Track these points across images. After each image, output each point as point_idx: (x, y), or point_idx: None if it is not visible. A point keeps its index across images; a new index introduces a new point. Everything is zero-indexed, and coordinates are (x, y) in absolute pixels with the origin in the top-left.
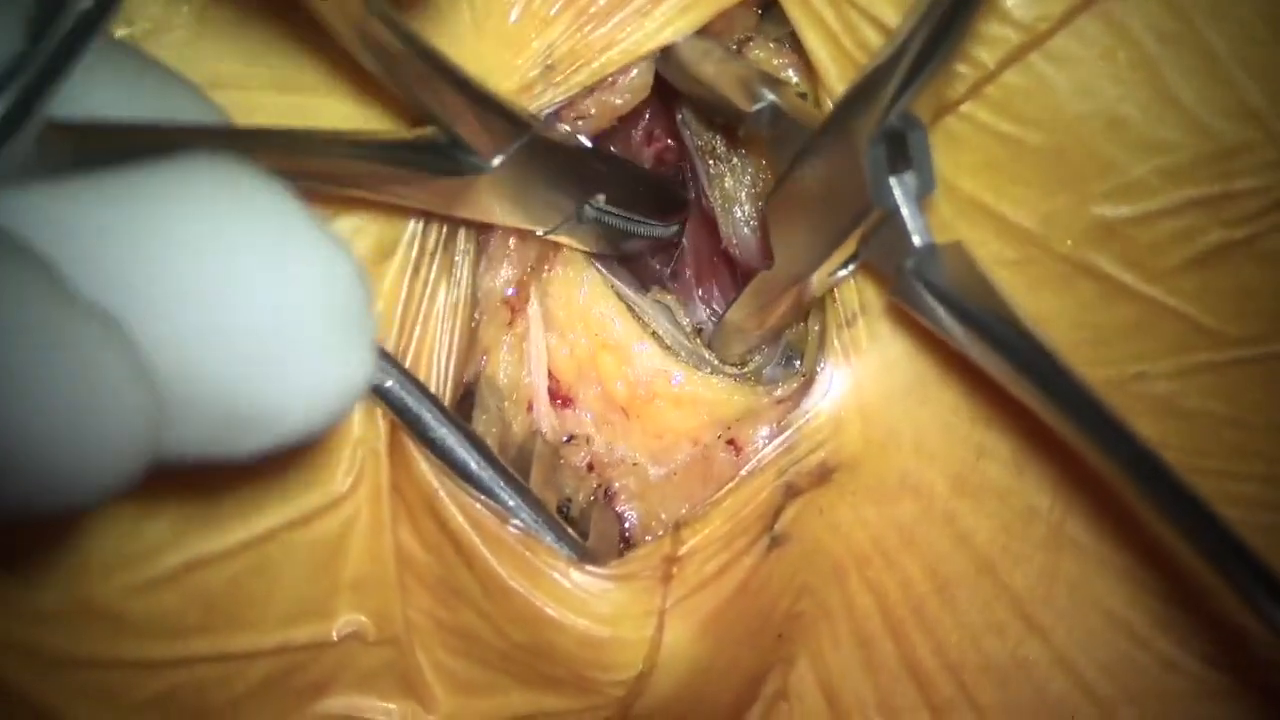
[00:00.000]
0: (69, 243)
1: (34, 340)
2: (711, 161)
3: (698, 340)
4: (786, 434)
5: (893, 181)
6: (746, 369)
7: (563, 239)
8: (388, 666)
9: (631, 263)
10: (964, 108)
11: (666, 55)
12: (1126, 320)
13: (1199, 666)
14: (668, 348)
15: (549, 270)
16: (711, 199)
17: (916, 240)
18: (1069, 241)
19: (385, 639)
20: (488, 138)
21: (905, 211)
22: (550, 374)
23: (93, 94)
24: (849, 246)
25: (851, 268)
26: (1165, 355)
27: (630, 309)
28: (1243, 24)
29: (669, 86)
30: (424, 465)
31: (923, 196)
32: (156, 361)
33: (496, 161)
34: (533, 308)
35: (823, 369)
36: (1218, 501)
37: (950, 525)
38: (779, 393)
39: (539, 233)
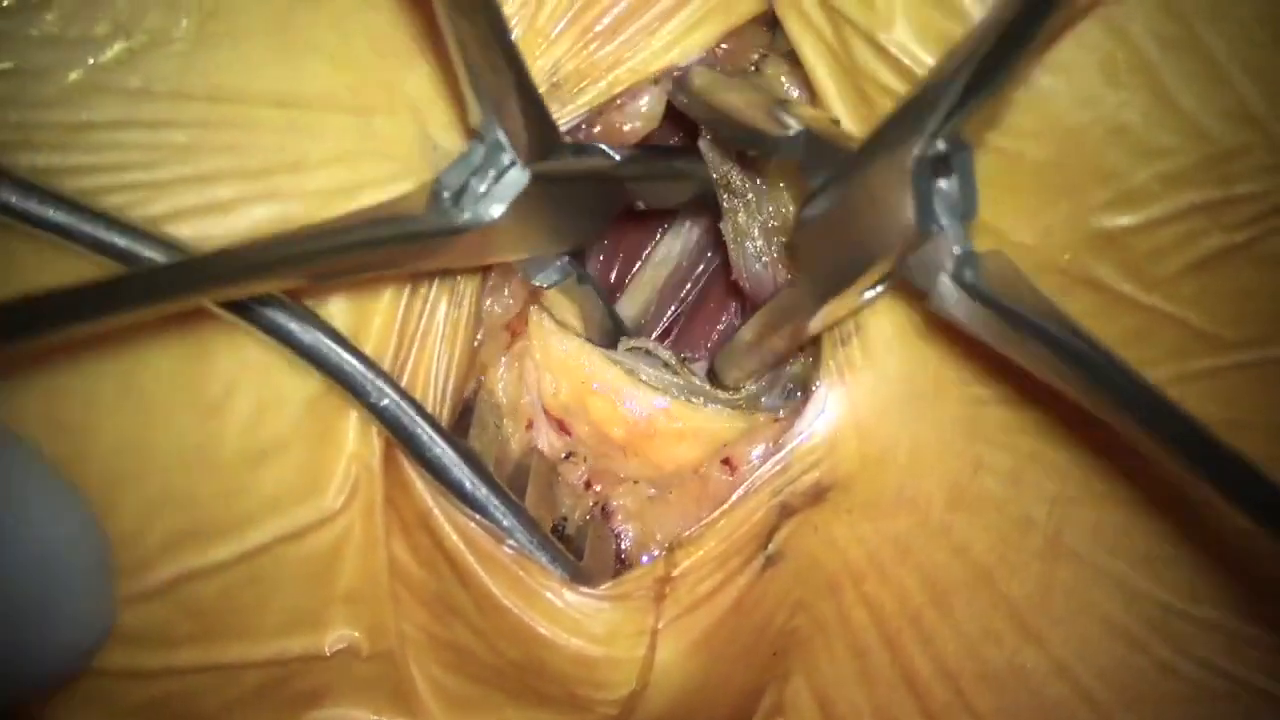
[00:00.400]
0: None
1: None
2: (726, 195)
3: (687, 369)
4: (781, 454)
5: (936, 201)
6: (740, 395)
7: (555, 297)
8: (381, 680)
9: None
10: None
11: (683, 86)
12: (1126, 330)
13: (1196, 671)
14: (657, 389)
15: (528, 321)
16: (724, 233)
17: (957, 249)
18: (1067, 255)
19: (378, 653)
20: (526, 142)
21: (947, 226)
22: (543, 405)
23: None
24: (885, 266)
25: (882, 288)
26: (1164, 362)
27: (612, 360)
28: (1242, 27)
29: (680, 119)
30: (419, 483)
31: (967, 220)
32: None
33: (498, 212)
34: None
35: (818, 388)
36: (1215, 510)
37: (947, 537)
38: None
39: (534, 281)
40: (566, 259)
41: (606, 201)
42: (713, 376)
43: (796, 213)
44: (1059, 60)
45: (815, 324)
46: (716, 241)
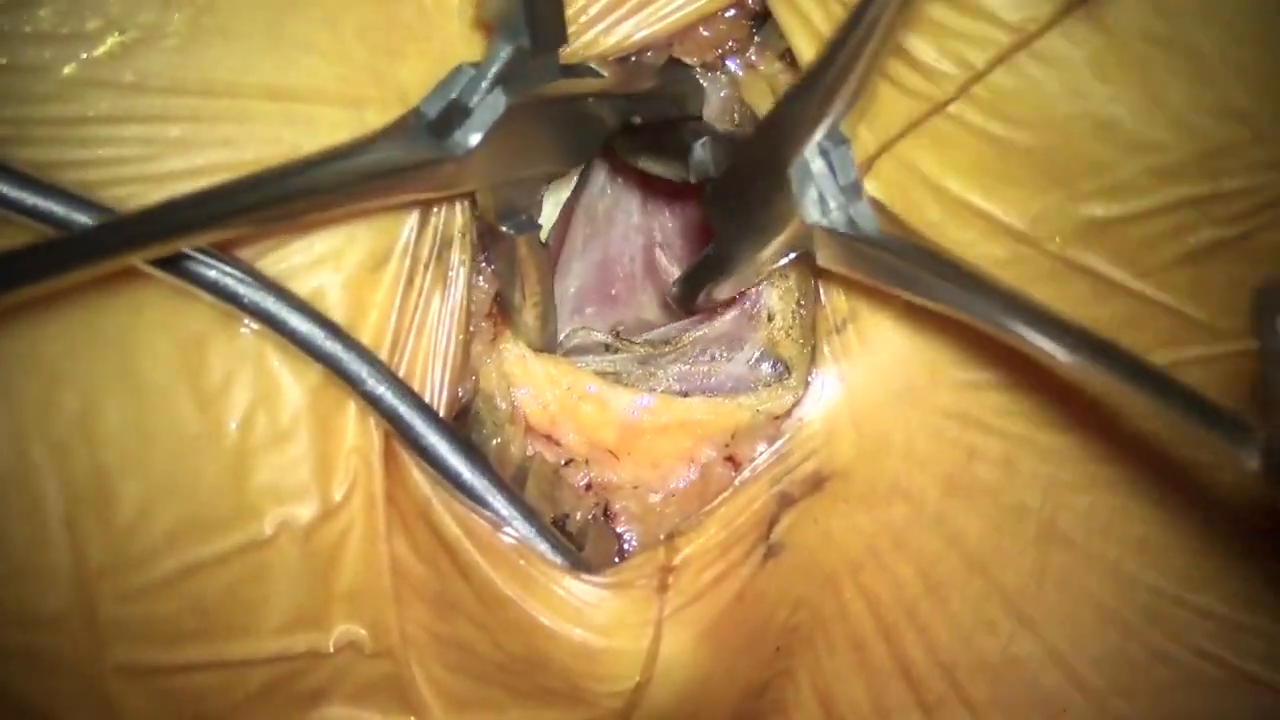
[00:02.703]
0: None
1: None
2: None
3: (626, 342)
4: (779, 443)
5: (817, 178)
6: (684, 343)
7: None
8: (385, 679)
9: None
10: (953, 108)
11: None
12: (1118, 316)
13: (1190, 658)
14: (630, 385)
15: (496, 340)
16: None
17: (833, 203)
18: (1058, 239)
19: (381, 650)
20: (535, 22)
21: (827, 191)
22: (528, 423)
23: None
24: (781, 246)
25: (789, 258)
26: (1157, 349)
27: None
28: (1230, 25)
29: None
30: (417, 474)
31: (851, 204)
32: None
33: (475, 140)
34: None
35: (814, 378)
36: (1209, 496)
37: (941, 526)
38: (768, 407)
39: (503, 227)
40: (534, 214)
41: (582, 135)
42: (682, 302)
43: (708, 192)
44: (1049, 51)
45: (725, 289)
46: None
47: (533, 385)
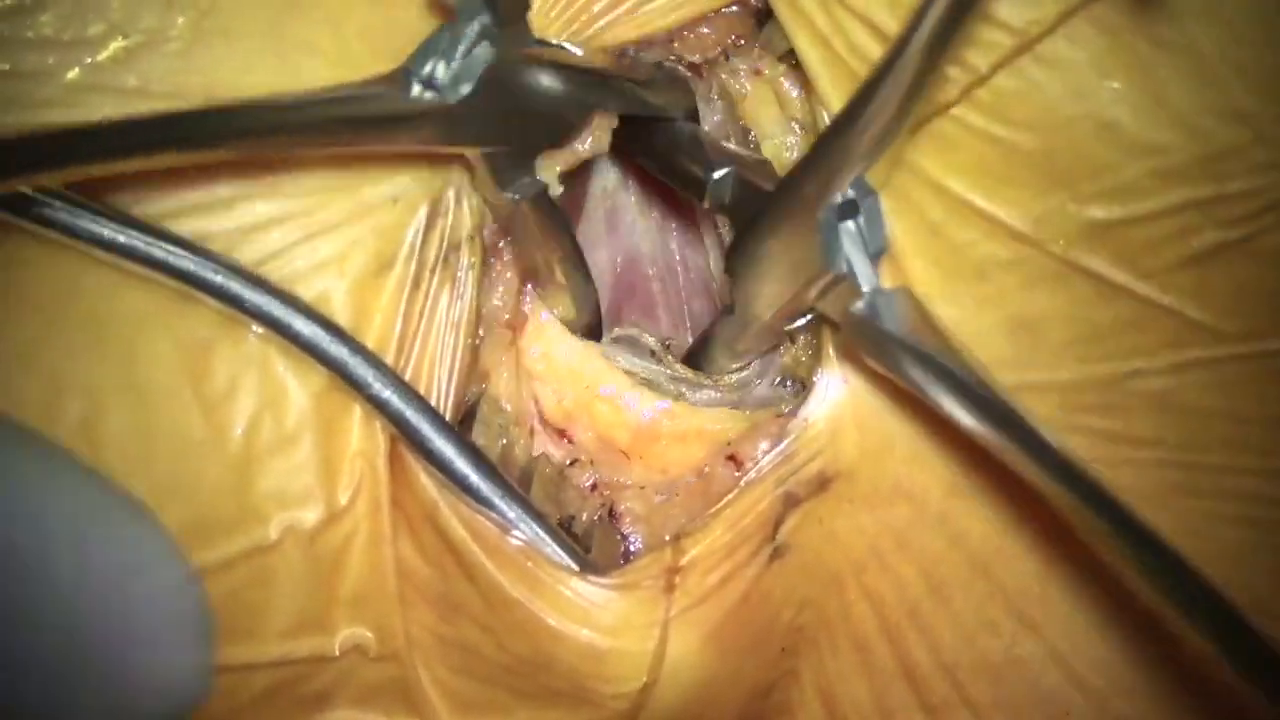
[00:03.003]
0: None
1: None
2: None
3: (669, 357)
4: (784, 444)
5: (845, 242)
6: (728, 380)
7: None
8: (390, 682)
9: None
10: (955, 110)
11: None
12: (1120, 317)
13: (1191, 661)
14: (661, 392)
15: (524, 326)
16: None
17: (865, 286)
18: (1061, 241)
19: (387, 654)
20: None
21: (856, 264)
22: (542, 418)
23: None
24: (804, 301)
25: (808, 319)
26: (1160, 351)
27: (610, 362)
28: (1232, 27)
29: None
30: (424, 478)
31: (876, 259)
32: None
33: (466, 90)
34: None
35: (819, 378)
36: (1215, 497)
37: (944, 527)
38: (777, 410)
39: (506, 193)
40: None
41: (567, 108)
42: (694, 362)
43: (729, 245)
44: (1052, 54)
45: (743, 345)
46: None
47: (555, 381)
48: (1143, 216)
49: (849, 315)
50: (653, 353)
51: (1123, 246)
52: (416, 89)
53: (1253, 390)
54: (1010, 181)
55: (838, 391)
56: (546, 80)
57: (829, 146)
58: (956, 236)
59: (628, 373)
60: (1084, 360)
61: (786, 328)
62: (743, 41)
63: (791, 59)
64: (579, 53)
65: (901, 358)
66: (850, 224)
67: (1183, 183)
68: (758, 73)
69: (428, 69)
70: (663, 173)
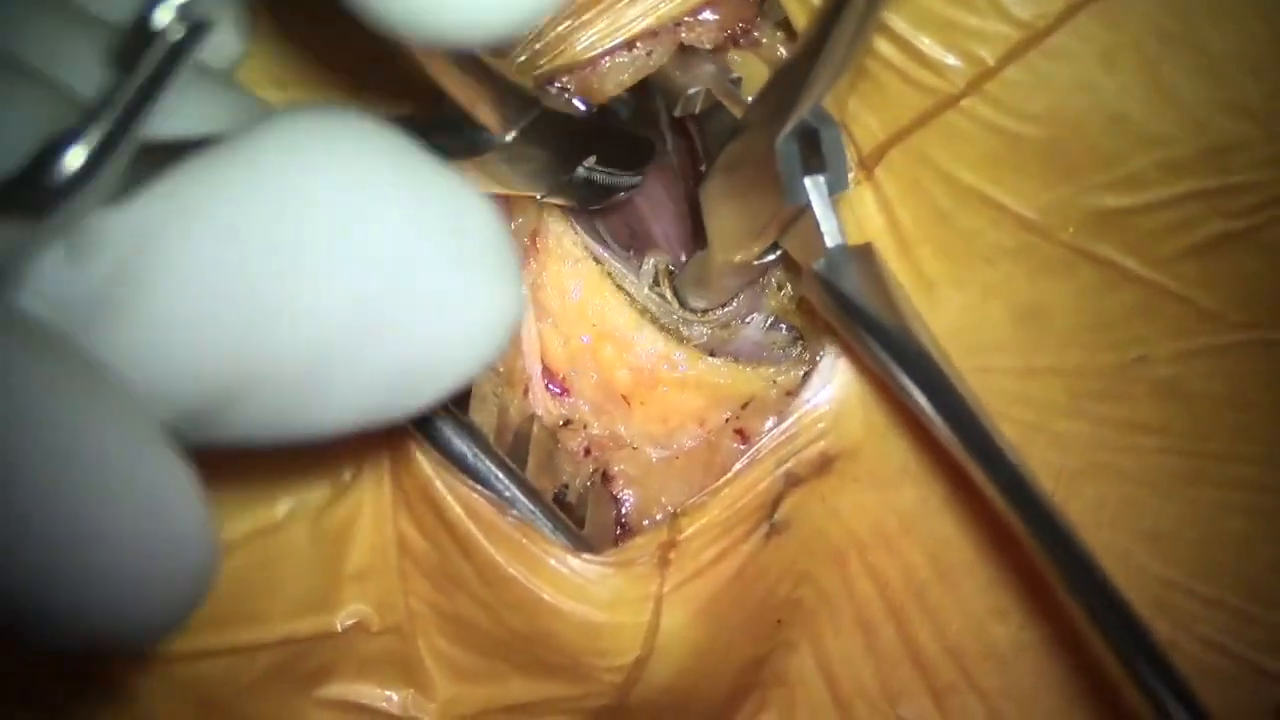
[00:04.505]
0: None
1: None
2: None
3: (668, 287)
4: (787, 423)
5: (806, 180)
6: (710, 317)
7: (556, 200)
8: (389, 654)
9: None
10: (964, 103)
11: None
12: (1127, 304)
13: (1198, 649)
14: (665, 329)
15: (539, 263)
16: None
17: (828, 241)
18: (1070, 229)
19: (388, 628)
20: (498, 114)
21: (817, 209)
22: (544, 364)
23: (176, 120)
24: (769, 235)
25: (776, 254)
26: (1167, 338)
27: (625, 294)
28: (1241, 21)
29: None
30: (420, 454)
31: (835, 193)
32: (327, 325)
33: (510, 136)
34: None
35: (823, 356)
36: (1220, 486)
37: (952, 511)
38: (783, 380)
39: (538, 197)
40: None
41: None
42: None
43: (701, 175)
44: (1059, 46)
45: (720, 284)
46: None
47: (563, 319)
48: (1149, 206)
49: (809, 271)
50: (655, 278)
51: (1130, 234)
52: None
53: (1259, 378)
54: (1018, 171)
55: (844, 370)
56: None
57: (789, 68)
58: (965, 224)
59: (632, 303)
60: (1090, 347)
61: (755, 262)
62: (747, 25)
63: (788, 26)
64: (582, 106)
65: (855, 323)
66: (812, 158)
67: (1188, 174)
68: (756, 43)
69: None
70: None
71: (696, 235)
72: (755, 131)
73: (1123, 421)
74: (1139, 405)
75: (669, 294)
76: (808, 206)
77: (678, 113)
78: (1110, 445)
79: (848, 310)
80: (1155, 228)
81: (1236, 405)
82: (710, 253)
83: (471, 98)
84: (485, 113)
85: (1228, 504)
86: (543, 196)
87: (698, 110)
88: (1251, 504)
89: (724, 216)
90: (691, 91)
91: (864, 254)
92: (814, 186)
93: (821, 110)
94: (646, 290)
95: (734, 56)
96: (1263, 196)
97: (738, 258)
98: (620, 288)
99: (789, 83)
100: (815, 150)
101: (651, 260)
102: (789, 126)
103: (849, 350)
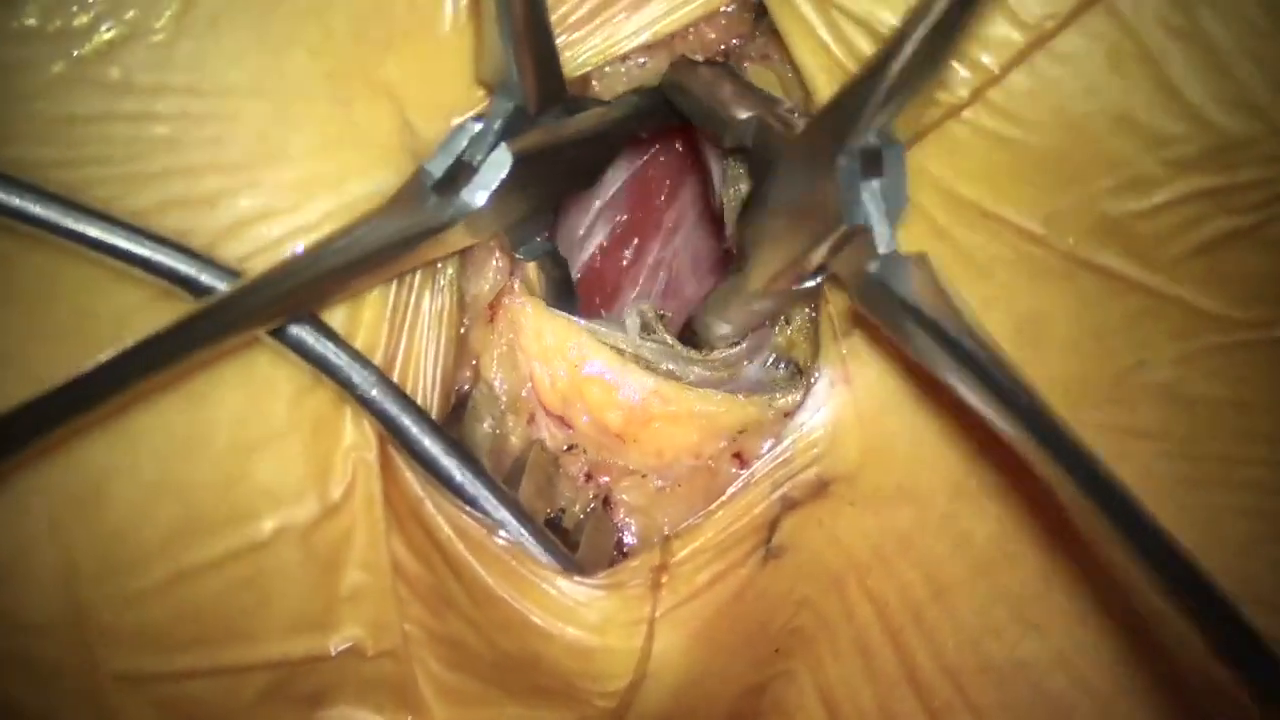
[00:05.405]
0: None
1: None
2: (731, 161)
3: (663, 328)
4: (781, 447)
5: (865, 197)
6: (714, 357)
7: (529, 259)
8: (384, 679)
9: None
10: (967, 113)
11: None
12: (1128, 311)
13: (1199, 660)
14: (649, 366)
15: (511, 303)
16: (726, 199)
17: (882, 249)
18: (1070, 239)
19: (383, 652)
20: (537, 88)
21: (875, 224)
22: (540, 400)
23: None
24: (818, 257)
25: (820, 279)
26: (1167, 342)
27: (596, 336)
28: (1246, 18)
29: None
30: (409, 474)
31: (894, 212)
32: None
33: (482, 200)
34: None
35: (818, 379)
36: (1223, 489)
37: (948, 529)
38: (780, 403)
39: (518, 255)
40: (545, 235)
41: (593, 161)
42: (690, 337)
43: (746, 196)
44: (1064, 50)
45: (742, 310)
46: None
47: (545, 360)
48: (1155, 208)
49: (862, 276)
50: (644, 325)
51: (1133, 240)
52: (435, 202)
53: (1261, 378)
54: (1020, 182)
55: (840, 393)
56: (566, 148)
57: (853, 90)
58: (963, 240)
59: (615, 349)
60: (1090, 355)
61: (795, 287)
62: (742, 39)
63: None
64: (609, 103)
65: (910, 325)
66: (873, 180)
67: (1195, 172)
68: (765, 58)
69: (445, 172)
70: (689, 111)
71: (724, 264)
72: (811, 154)
73: (1124, 428)
74: (1140, 411)
75: (669, 337)
76: (866, 226)
77: (728, 144)
78: (1111, 452)
79: (908, 313)
80: (1159, 231)
81: (1238, 406)
82: (746, 279)
83: (525, 61)
84: (528, 79)
85: (1230, 507)
86: (519, 256)
87: (750, 141)
88: (1254, 506)
89: (769, 241)
90: (743, 117)
91: (920, 262)
92: (873, 205)
93: (886, 131)
94: (638, 340)
95: (746, 67)
96: (1268, 193)
97: (779, 284)
98: (604, 344)
99: (848, 105)
100: (875, 170)
101: (635, 311)
102: (851, 146)
103: (850, 371)
